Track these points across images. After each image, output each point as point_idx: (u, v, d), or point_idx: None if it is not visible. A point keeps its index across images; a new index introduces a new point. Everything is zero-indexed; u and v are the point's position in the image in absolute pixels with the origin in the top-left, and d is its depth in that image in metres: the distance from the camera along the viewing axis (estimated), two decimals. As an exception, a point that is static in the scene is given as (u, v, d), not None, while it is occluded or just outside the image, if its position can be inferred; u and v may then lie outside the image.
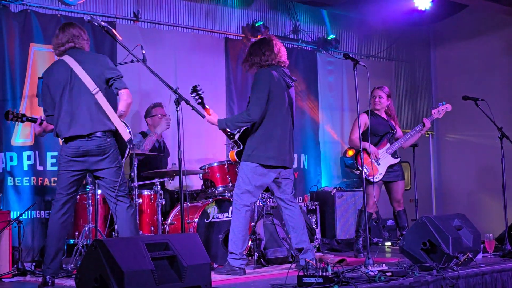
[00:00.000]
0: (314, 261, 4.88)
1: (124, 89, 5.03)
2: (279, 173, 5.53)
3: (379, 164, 6.88)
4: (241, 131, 5.67)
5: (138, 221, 6.02)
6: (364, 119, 6.80)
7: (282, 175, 5.56)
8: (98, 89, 4.97)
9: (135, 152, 5.81)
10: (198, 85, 5.63)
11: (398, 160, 6.99)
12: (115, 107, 5.10)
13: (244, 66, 5.69)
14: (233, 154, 5.74)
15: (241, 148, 5.61)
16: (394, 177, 6.96)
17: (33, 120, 5.40)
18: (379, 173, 6.86)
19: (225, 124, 5.50)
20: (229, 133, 5.69)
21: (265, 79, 5.43)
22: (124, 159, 5.10)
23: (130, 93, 5.07)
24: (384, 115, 7.09)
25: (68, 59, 5.04)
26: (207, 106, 5.61)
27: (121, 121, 5.05)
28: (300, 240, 5.53)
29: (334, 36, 9.22)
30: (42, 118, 5.32)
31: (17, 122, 5.60)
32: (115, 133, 5.04)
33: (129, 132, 5.04)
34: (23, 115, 5.47)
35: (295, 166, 8.78)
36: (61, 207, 5.04)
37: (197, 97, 5.57)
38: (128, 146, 5.05)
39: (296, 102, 8.79)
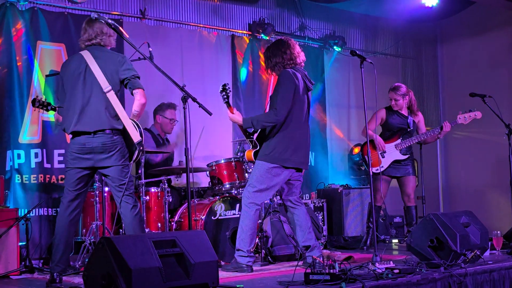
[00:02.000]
0: (321, 258, 4.88)
1: (138, 89, 5.03)
2: (291, 175, 5.53)
3: (383, 157, 7.02)
4: (258, 131, 5.64)
5: (145, 218, 6.04)
6: (382, 114, 7.18)
7: (293, 176, 5.57)
8: (110, 87, 4.97)
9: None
10: (227, 83, 5.59)
11: (405, 157, 7.05)
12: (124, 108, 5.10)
13: (267, 71, 5.72)
14: (250, 154, 5.65)
15: (258, 148, 5.57)
16: (402, 172, 7.08)
17: (55, 109, 5.41)
18: (381, 165, 7.02)
19: (251, 123, 5.45)
20: (247, 132, 5.66)
21: (291, 80, 5.42)
22: (132, 161, 5.09)
23: (144, 93, 5.06)
24: (404, 112, 7.24)
25: (86, 54, 5.04)
26: (231, 105, 5.60)
27: (133, 122, 5.03)
28: (306, 238, 5.54)
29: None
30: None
31: (40, 110, 5.56)
32: (124, 132, 5.03)
33: (140, 133, 5.02)
34: (49, 103, 5.46)
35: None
36: (69, 204, 5.05)
37: (225, 96, 5.52)
38: (138, 148, 5.02)
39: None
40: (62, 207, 5.08)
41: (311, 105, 5.55)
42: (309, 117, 5.66)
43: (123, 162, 5.03)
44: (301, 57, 5.61)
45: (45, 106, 5.44)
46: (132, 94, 5.06)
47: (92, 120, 4.96)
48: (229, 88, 5.56)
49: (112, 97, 4.97)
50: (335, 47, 9.25)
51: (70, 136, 5.10)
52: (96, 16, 5.03)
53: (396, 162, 7.05)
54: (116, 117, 4.98)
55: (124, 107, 5.19)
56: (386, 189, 7.16)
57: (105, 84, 4.96)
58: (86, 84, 5.00)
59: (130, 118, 5.03)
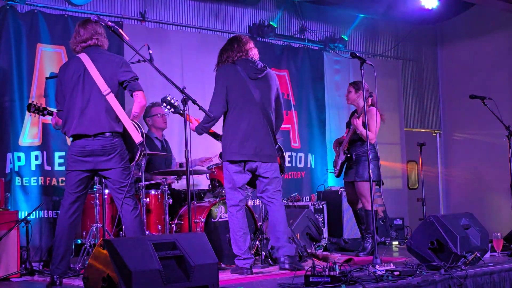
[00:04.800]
0: (292, 258, 4.90)
1: (138, 91, 5.02)
2: (256, 169, 5.50)
3: (339, 160, 7.14)
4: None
5: (145, 220, 6.03)
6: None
7: (262, 172, 5.52)
8: (109, 90, 4.96)
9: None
10: (167, 95, 5.56)
11: (344, 157, 7.02)
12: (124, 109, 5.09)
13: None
14: (219, 155, 5.82)
15: None
16: (350, 178, 7.00)
17: (51, 114, 5.41)
18: (336, 168, 7.15)
19: (199, 129, 5.56)
20: (214, 135, 5.74)
21: (219, 76, 5.50)
22: (135, 161, 5.08)
23: (144, 95, 5.06)
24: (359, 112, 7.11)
25: (84, 57, 5.03)
26: (187, 112, 5.58)
27: (134, 123, 5.02)
28: (274, 237, 5.53)
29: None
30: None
31: (35, 115, 5.55)
32: (124, 135, 5.03)
33: (142, 133, 5.02)
34: (45, 108, 5.45)
35: (302, 165, 8.78)
36: (69, 207, 5.04)
37: (169, 107, 5.50)
38: (140, 149, 5.02)
39: (303, 101, 8.87)
40: (63, 210, 5.07)
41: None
42: (270, 105, 5.55)
43: (123, 165, 5.02)
44: (246, 50, 5.58)
45: (41, 111, 5.42)
46: (131, 96, 5.05)
47: (92, 123, 4.95)
48: (172, 98, 5.46)
49: (112, 99, 4.96)
50: (335, 49, 9.23)
51: (71, 138, 5.09)
52: (96, 18, 5.02)
53: (344, 165, 7.04)
54: (117, 119, 4.97)
55: (124, 109, 5.19)
56: (349, 193, 7.08)
57: (104, 87, 4.95)
58: (85, 87, 4.99)
59: (130, 120, 5.02)
